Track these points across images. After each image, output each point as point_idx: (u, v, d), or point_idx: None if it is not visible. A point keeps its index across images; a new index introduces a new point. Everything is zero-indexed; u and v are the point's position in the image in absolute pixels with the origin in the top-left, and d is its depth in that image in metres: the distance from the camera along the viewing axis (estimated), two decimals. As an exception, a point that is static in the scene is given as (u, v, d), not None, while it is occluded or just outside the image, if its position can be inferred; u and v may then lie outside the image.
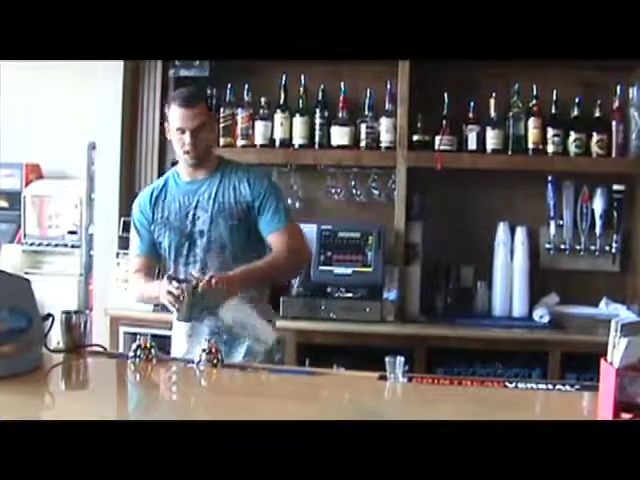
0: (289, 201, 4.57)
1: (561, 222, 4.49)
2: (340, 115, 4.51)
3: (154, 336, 2.98)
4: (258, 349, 3.25)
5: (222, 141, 4.57)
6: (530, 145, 4.39)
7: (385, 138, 4.45)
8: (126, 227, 4.49)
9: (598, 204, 4.45)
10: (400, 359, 2.66)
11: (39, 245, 5.28)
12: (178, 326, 3.36)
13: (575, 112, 4.42)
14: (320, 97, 4.55)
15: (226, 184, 3.36)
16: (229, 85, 4.61)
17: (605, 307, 4.41)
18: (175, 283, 3.11)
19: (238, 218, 3.33)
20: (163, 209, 3.42)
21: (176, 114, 3.29)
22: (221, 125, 4.57)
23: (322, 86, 4.54)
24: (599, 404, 2.23)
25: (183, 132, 3.28)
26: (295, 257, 3.42)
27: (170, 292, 3.10)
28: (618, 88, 4.39)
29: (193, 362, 2.82)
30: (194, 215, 3.35)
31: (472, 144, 4.42)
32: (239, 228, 3.33)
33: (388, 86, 4.47)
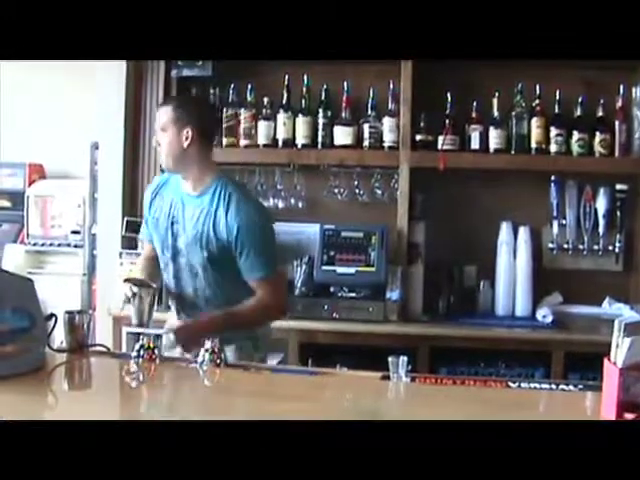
0: (292, 201, 4.59)
1: (564, 222, 4.49)
2: (343, 115, 4.51)
3: (157, 336, 2.97)
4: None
5: (225, 141, 4.58)
6: (533, 145, 4.39)
7: (388, 138, 4.45)
8: (129, 227, 4.50)
9: (601, 204, 4.44)
10: (403, 359, 2.65)
11: (42, 245, 5.28)
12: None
13: (578, 112, 4.42)
14: (323, 97, 4.55)
15: (209, 210, 3.17)
16: (232, 85, 4.61)
17: (608, 307, 4.41)
18: (133, 287, 3.07)
19: (213, 251, 3.17)
20: (157, 208, 3.34)
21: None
22: (224, 125, 4.57)
23: (325, 86, 4.54)
24: (602, 404, 2.23)
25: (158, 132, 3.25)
26: (268, 317, 3.32)
27: (125, 294, 3.08)
28: (621, 87, 4.39)
29: (196, 362, 2.82)
30: (177, 231, 3.24)
31: (475, 144, 4.42)
32: (214, 261, 3.19)
33: (391, 86, 4.47)
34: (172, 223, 3.24)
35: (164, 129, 3.18)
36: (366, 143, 4.49)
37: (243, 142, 4.56)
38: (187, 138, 3.15)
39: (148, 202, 3.40)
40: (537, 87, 4.43)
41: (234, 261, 3.17)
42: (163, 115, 3.19)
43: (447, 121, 4.41)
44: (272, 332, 3.47)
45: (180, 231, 3.22)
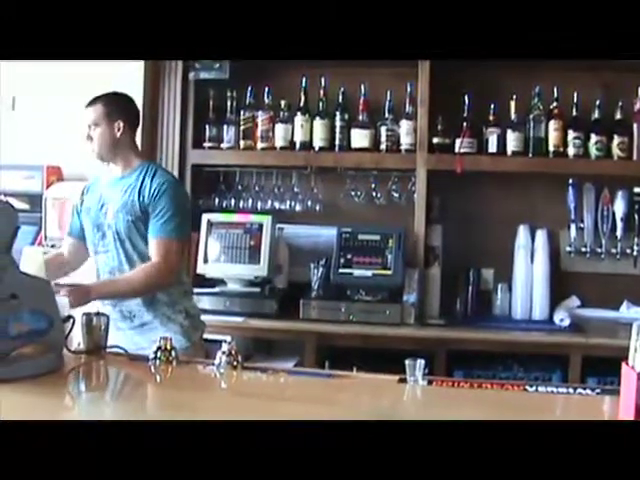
0: (309, 203, 4.60)
1: (582, 225, 4.48)
2: (360, 118, 4.51)
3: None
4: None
5: (242, 144, 4.59)
6: (551, 148, 4.37)
7: (405, 141, 4.45)
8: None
9: (619, 207, 4.43)
10: (420, 362, 2.65)
11: (60, 247, 5.29)
12: None
13: (596, 114, 4.40)
14: (340, 99, 4.55)
15: (135, 183, 3.51)
16: (249, 88, 4.62)
17: (626, 310, 4.40)
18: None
19: (134, 216, 3.48)
20: (88, 199, 3.67)
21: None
22: (241, 128, 4.59)
23: (342, 89, 4.54)
24: (620, 408, 2.22)
25: (89, 128, 3.56)
26: (153, 278, 3.47)
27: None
28: (639, 90, 4.37)
29: (213, 364, 2.82)
30: (106, 209, 3.55)
31: (492, 146, 4.41)
32: (134, 224, 3.49)
33: (408, 88, 4.47)
34: (102, 205, 3.58)
35: (97, 124, 3.56)
36: (383, 146, 4.49)
37: (260, 145, 4.57)
38: (119, 129, 3.56)
39: (79, 202, 3.72)
40: (555, 90, 4.41)
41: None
42: (93, 112, 3.57)
43: (464, 124, 4.41)
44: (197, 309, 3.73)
45: (109, 208, 3.55)
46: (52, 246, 5.23)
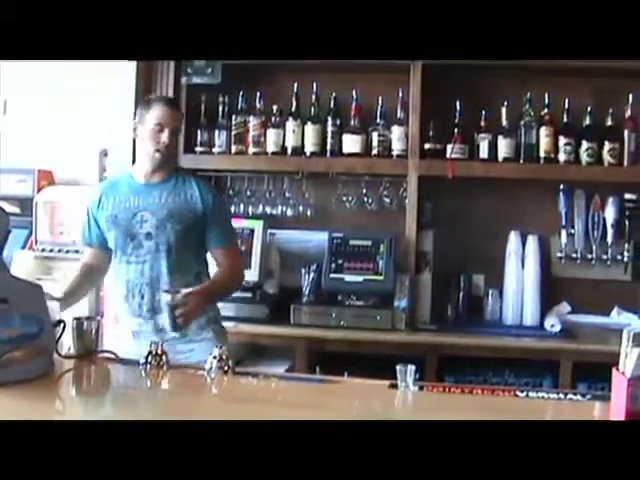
0: (300, 209, 4.60)
1: (573, 231, 4.49)
2: (352, 123, 4.51)
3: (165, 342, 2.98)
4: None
5: (234, 149, 4.59)
6: (542, 154, 4.38)
7: (397, 146, 4.46)
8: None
9: (610, 213, 4.44)
10: (411, 367, 2.65)
11: (50, 251, 5.27)
12: (121, 325, 3.52)
13: (587, 121, 4.42)
14: (332, 105, 4.56)
15: (176, 192, 3.47)
16: (241, 93, 4.62)
17: (617, 316, 4.41)
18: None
19: (186, 225, 3.43)
20: (112, 207, 3.51)
21: (160, 111, 3.43)
22: (233, 132, 4.59)
23: (334, 94, 4.55)
24: (610, 414, 2.23)
25: (162, 130, 3.42)
26: (237, 278, 3.63)
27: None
28: (630, 97, 4.38)
29: (204, 369, 2.82)
30: (142, 217, 3.45)
31: (484, 152, 4.42)
32: (185, 235, 3.44)
33: (400, 94, 4.48)
34: (135, 214, 3.46)
35: (179, 129, 3.58)
36: (375, 151, 4.49)
37: (252, 150, 4.57)
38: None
39: (95, 206, 3.57)
40: (546, 96, 4.43)
41: (202, 233, 3.49)
42: (177, 116, 3.54)
43: (456, 130, 4.42)
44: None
45: (147, 216, 3.45)
46: (42, 250, 5.23)
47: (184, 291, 3.19)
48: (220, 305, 3.64)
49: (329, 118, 4.52)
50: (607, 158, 4.34)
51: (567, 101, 4.42)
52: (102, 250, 3.59)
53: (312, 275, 4.36)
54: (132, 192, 3.50)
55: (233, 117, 4.60)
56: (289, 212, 4.63)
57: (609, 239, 4.45)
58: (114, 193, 3.54)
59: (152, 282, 3.43)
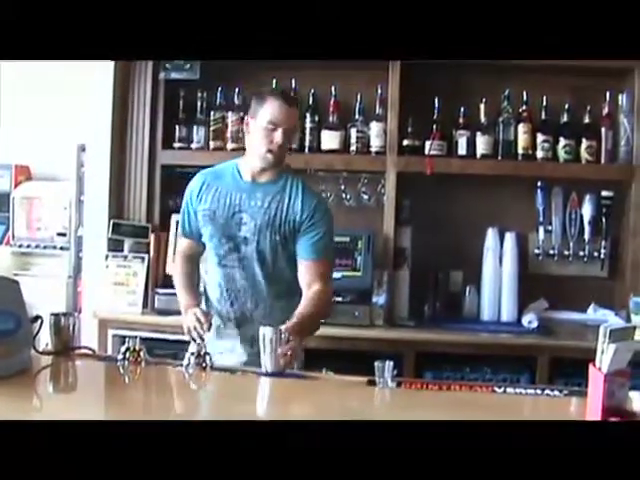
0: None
1: (550, 228, 4.51)
2: (330, 119, 4.51)
3: (143, 339, 2.97)
4: None
5: (212, 144, 4.58)
6: (520, 151, 4.40)
7: (375, 143, 4.46)
8: (115, 229, 4.49)
9: (587, 210, 4.46)
10: (389, 364, 2.66)
11: (28, 247, 5.25)
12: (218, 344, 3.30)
13: (565, 118, 4.44)
14: (310, 101, 4.55)
15: (281, 197, 3.25)
16: (219, 88, 4.61)
17: (593, 313, 4.42)
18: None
19: (283, 235, 3.24)
20: (212, 200, 3.31)
21: (275, 108, 3.19)
22: (211, 128, 4.58)
23: (312, 90, 4.55)
24: (587, 409, 2.24)
25: (275, 129, 3.18)
26: (327, 309, 3.34)
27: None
28: (608, 94, 4.41)
29: (182, 365, 2.81)
30: (240, 219, 3.26)
31: (462, 149, 4.43)
32: (284, 245, 3.26)
33: (379, 91, 4.48)
34: (234, 213, 3.26)
35: (295, 127, 3.35)
36: (353, 148, 4.49)
37: (230, 145, 4.56)
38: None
39: (195, 196, 3.36)
40: (524, 93, 4.44)
41: (295, 242, 3.26)
42: (295, 115, 3.29)
43: (434, 126, 4.42)
44: None
45: (246, 219, 3.24)
46: (19, 246, 5.21)
47: (283, 327, 2.90)
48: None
49: (307, 114, 4.52)
50: (584, 155, 4.36)
51: (545, 98, 4.44)
52: (198, 240, 3.42)
53: (291, 271, 4.35)
54: (235, 188, 3.30)
55: (211, 113, 4.59)
56: (267, 208, 4.62)
57: (586, 236, 4.47)
58: (216, 184, 3.34)
59: (244, 290, 3.30)
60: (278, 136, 3.17)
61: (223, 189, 3.31)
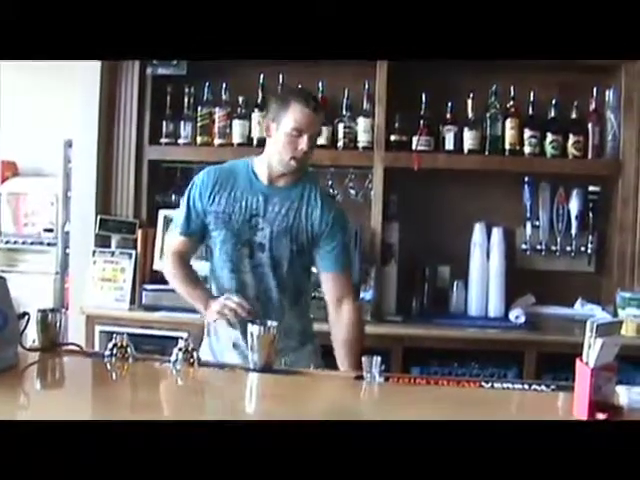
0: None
1: (537, 223, 4.52)
2: (318, 114, 4.50)
3: (130, 335, 2.96)
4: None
5: (199, 140, 4.57)
6: (507, 146, 4.41)
7: (362, 138, 4.45)
8: (102, 225, 4.48)
9: (574, 205, 4.48)
10: (377, 359, 2.66)
11: (15, 243, 5.25)
12: (223, 337, 3.26)
13: (552, 113, 4.44)
14: (298, 96, 4.54)
15: (299, 204, 3.15)
16: (207, 84, 4.60)
17: (580, 308, 4.44)
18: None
19: (300, 244, 3.15)
20: (227, 203, 3.16)
21: (299, 114, 3.05)
22: (198, 124, 4.57)
23: (300, 85, 4.53)
24: (574, 404, 2.25)
25: (300, 135, 3.05)
26: (361, 331, 3.27)
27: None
28: (595, 90, 4.42)
29: (170, 361, 2.81)
30: (257, 224, 3.13)
31: (449, 144, 4.43)
32: (300, 254, 3.17)
33: (366, 86, 4.48)
34: (251, 217, 3.13)
35: (319, 133, 3.27)
36: (340, 143, 4.49)
37: (218, 141, 4.55)
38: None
39: (206, 194, 3.18)
40: (511, 89, 4.45)
41: (312, 251, 3.19)
42: (320, 122, 3.20)
43: (422, 122, 4.43)
44: None
45: (263, 224, 3.13)
46: (7, 242, 5.20)
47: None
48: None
49: (295, 109, 4.50)
50: (572, 151, 4.37)
51: (532, 94, 4.45)
52: (198, 240, 3.27)
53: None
54: (251, 191, 3.16)
55: (199, 108, 4.58)
56: (255, 203, 4.62)
57: (573, 231, 4.49)
58: (231, 185, 3.18)
59: (255, 297, 3.17)
60: (303, 143, 3.05)
61: (238, 191, 3.16)
